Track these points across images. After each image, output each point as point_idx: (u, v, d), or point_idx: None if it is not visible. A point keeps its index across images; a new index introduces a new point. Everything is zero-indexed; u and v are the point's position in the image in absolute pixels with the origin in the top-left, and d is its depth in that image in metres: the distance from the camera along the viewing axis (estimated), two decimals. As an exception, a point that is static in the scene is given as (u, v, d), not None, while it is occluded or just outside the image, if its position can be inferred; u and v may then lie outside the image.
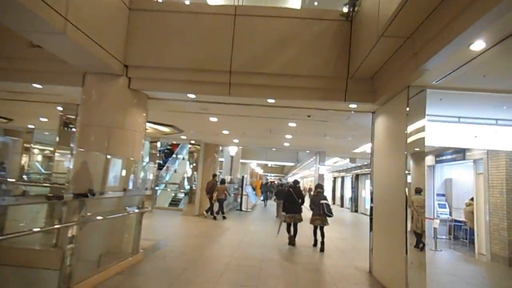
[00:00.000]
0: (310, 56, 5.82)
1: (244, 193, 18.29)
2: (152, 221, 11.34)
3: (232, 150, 19.38)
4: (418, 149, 4.74)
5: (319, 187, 9.03)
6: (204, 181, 14.41)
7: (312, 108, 6.67)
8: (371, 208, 6.47)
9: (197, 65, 5.91)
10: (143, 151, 7.91)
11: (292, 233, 8.73)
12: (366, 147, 12.02)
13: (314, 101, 6.12)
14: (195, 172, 13.86)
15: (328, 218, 8.23)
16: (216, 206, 13.14)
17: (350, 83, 5.80)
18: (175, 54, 5.95)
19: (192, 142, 13.97)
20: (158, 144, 22.12)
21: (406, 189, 4.67)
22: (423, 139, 4.67)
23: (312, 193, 14.69)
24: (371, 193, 6.52)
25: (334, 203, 30.93)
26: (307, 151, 16.00)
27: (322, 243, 8.08)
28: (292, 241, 8.54)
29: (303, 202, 8.93)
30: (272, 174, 57.26)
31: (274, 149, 15.60)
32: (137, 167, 6.39)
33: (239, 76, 5.86)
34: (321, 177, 14.70)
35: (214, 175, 13.84)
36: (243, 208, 17.84)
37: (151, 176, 10.29)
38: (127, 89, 6.01)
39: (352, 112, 6.72)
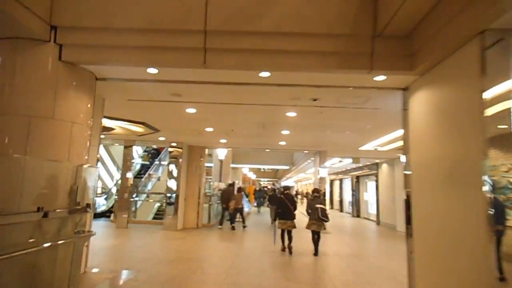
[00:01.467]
0: (319, 5, 4.07)
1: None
2: (123, 241, 9.44)
3: (221, 153, 17.52)
4: (505, 126, 2.99)
5: (316, 191, 8.92)
6: (188, 189, 12.56)
7: (321, 87, 4.88)
8: (408, 218, 4.65)
9: (158, 24, 4.10)
10: (98, 154, 6.09)
11: (287, 240, 8.60)
12: (377, 143, 10.30)
13: (325, 73, 4.35)
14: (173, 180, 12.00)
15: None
16: (226, 215, 13.14)
17: (378, 44, 4.05)
18: (126, 8, 4.14)
19: (173, 144, 12.11)
20: (139, 149, 20.32)
21: (486, 189, 2.88)
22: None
23: (309, 197, 14.95)
24: (407, 198, 4.70)
25: (332, 208, 29.20)
26: (305, 152, 14.21)
27: (316, 247, 8.20)
28: (288, 249, 8.46)
29: (295, 208, 8.69)
30: (265, 179, 55.46)
31: (267, 150, 13.78)
32: (81, 174, 4.50)
33: (218, 37, 4.07)
34: (321, 180, 12.96)
35: (231, 184, 13.81)
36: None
37: (97, 185, 8.24)
38: (58, 62, 4.15)
39: (374, 90, 4.97)
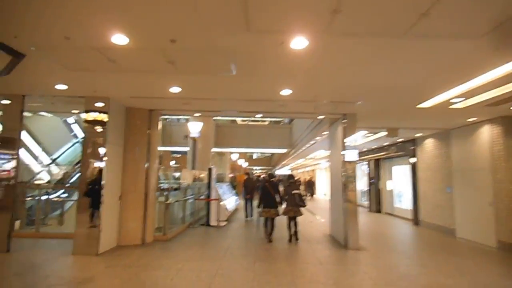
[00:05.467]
0: None
1: (213, 195, 11.32)
2: None
3: (193, 128, 12.35)
4: None
5: (291, 177, 8.83)
6: (126, 181, 7.54)
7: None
8: None
9: None
10: None
11: (269, 229, 8.28)
12: (454, 93, 5.27)
13: None
14: (99, 165, 6.80)
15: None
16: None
17: None
18: None
19: (99, 105, 6.88)
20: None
21: None
22: None
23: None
24: None
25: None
26: (319, 118, 8.98)
27: (296, 232, 8.21)
28: (269, 237, 8.20)
29: (280, 197, 8.41)
30: (258, 167, 50.56)
31: (259, 116, 8.51)
32: None
33: None
34: (349, 166, 7.89)
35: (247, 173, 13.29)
36: (211, 222, 10.86)
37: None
38: None
39: None
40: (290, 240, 8.15)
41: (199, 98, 6.68)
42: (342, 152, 8.04)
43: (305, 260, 6.48)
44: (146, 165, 7.84)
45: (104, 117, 6.81)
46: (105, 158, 6.77)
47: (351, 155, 7.94)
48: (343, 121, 8.07)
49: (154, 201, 8.07)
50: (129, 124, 7.74)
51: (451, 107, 6.70)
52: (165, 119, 23.85)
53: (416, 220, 11.97)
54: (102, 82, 5.81)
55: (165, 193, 8.62)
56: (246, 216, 12.90)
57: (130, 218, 7.57)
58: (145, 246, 7.47)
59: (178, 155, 37.76)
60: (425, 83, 5.37)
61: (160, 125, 8.41)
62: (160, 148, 23.32)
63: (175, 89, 5.99)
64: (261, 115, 8.40)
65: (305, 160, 28.01)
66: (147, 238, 7.77)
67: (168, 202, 8.46)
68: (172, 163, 36.99)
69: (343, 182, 7.97)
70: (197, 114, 8.44)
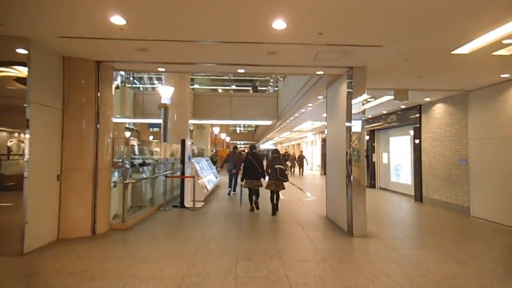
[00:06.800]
0: None
1: (188, 171, 9.62)
2: None
3: (164, 93, 10.51)
4: None
5: (275, 152, 8.75)
6: (69, 155, 5.72)
7: None
8: None
9: None
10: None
11: (254, 199, 8.63)
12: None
13: None
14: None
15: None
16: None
17: None
18: None
19: (22, 51, 4.90)
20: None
21: None
22: None
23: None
24: None
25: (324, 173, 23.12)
26: (318, 73, 7.13)
27: (276, 205, 8.27)
28: (255, 205, 8.57)
29: (262, 169, 8.58)
30: (241, 142, 48.93)
31: (242, 71, 6.65)
32: None
33: None
34: (355, 136, 6.28)
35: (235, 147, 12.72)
36: (186, 203, 9.21)
37: None
38: None
39: None
40: (273, 214, 8.15)
41: (156, 39, 4.79)
42: (346, 121, 6.40)
43: (304, 255, 4.93)
44: (94, 136, 6.00)
45: (21, 70, 4.85)
46: (30, 124, 4.89)
47: (357, 123, 6.31)
48: (348, 78, 6.38)
49: (107, 181, 6.29)
50: (70, 81, 5.80)
51: (495, 53, 5.08)
52: (138, 87, 21.64)
53: (418, 196, 10.66)
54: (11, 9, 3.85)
55: (124, 171, 6.84)
56: (230, 192, 12.06)
57: (75, 203, 5.79)
58: (95, 238, 5.76)
59: (157, 129, 35.62)
60: (478, 12, 3.69)
61: (115, 85, 6.52)
62: (132, 120, 21.26)
63: (117, 20, 4.09)
64: (243, 70, 6.57)
65: (290, 133, 26.50)
66: (98, 228, 6.04)
67: (127, 182, 6.69)
68: (151, 138, 34.88)
69: (348, 157, 6.39)
70: (160, 69, 6.53)
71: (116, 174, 6.90)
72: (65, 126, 5.76)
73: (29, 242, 4.88)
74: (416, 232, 6.71)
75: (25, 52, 4.83)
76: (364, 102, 6.36)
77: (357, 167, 6.27)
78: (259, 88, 25.76)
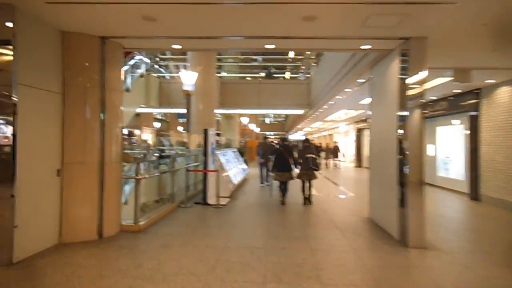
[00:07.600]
0: None
1: (212, 164, 8.72)
2: None
3: (186, 79, 9.66)
4: None
5: (306, 141, 8.70)
6: (70, 147, 4.90)
7: None
8: None
9: None
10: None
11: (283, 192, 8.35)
12: None
13: None
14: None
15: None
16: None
17: None
18: None
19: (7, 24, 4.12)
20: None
21: None
22: None
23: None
24: None
25: (359, 166, 21.70)
26: (363, 47, 5.87)
27: (309, 195, 8.25)
28: (282, 201, 8.23)
29: (294, 161, 8.38)
30: (271, 133, 47.83)
31: (272, 47, 5.59)
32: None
33: None
34: (411, 124, 5.06)
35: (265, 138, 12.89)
36: (209, 199, 8.34)
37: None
38: None
39: None
40: (304, 204, 8.20)
41: (163, 1, 3.82)
42: (398, 107, 5.19)
43: (350, 276, 3.86)
44: (101, 125, 5.19)
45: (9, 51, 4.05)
46: (19, 109, 4.10)
47: (414, 110, 5.08)
48: (402, 53, 5.14)
49: (117, 176, 5.50)
50: (70, 62, 5.00)
51: None
52: (163, 76, 21.04)
53: (474, 195, 9.19)
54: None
55: (144, 165, 6.03)
56: (262, 183, 11.92)
57: (78, 202, 5.03)
58: (100, 243, 4.98)
59: (185, 120, 35.25)
60: None
61: (124, 67, 5.67)
62: (158, 110, 20.70)
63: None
64: (273, 46, 5.49)
65: (322, 123, 25.10)
66: (106, 230, 5.27)
67: (140, 177, 5.86)
68: (181, 129, 34.55)
69: (403, 149, 5.19)
70: (176, 46, 5.59)
71: (142, 166, 6.12)
72: (66, 113, 4.98)
73: (20, 249, 4.14)
74: (487, 242, 5.41)
75: (10, 25, 4.01)
76: (423, 83, 5.09)
77: (415, 162, 5.05)
78: (291, 76, 24.48)
